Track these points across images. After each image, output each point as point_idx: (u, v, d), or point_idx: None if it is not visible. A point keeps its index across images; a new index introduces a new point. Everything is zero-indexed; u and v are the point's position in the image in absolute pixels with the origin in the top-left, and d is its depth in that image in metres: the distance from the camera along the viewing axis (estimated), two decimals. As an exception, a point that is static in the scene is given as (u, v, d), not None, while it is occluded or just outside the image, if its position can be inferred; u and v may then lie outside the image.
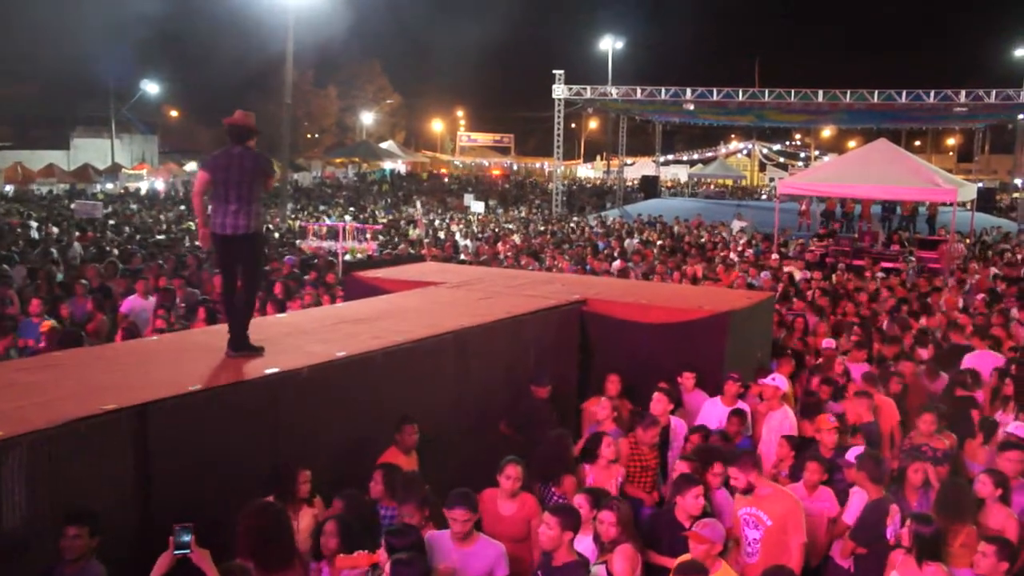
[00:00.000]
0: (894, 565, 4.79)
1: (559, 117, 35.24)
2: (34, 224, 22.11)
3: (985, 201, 33.71)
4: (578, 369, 7.92)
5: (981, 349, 8.97)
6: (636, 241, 21.65)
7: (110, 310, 10.17)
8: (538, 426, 6.45)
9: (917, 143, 63.66)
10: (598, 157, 72.28)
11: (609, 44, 43.33)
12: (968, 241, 23.64)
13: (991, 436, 6.67)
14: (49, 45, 43.87)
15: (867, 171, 19.92)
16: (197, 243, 16.41)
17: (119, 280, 11.81)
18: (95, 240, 18.52)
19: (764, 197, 47.31)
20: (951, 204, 20.36)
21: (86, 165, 42.76)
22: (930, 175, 20.03)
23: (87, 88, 49.98)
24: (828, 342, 9.29)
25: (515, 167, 73.18)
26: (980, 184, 37.24)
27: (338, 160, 58.12)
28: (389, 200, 39.84)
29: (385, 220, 27.55)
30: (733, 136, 70.09)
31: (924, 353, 9.29)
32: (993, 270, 16.92)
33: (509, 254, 18.21)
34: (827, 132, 65.06)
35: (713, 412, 7.11)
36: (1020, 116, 35.52)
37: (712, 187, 55.36)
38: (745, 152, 68.40)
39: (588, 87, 34.89)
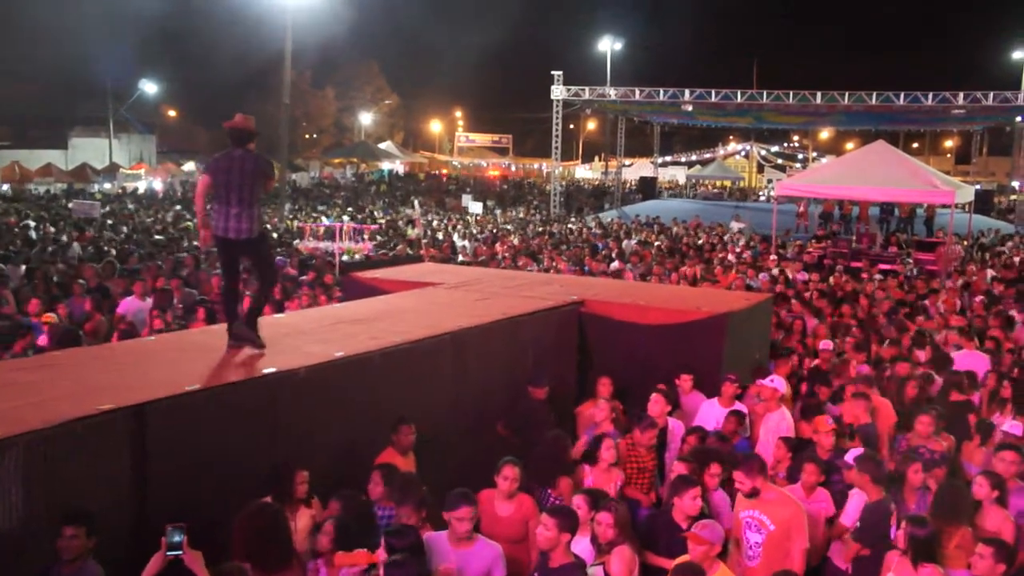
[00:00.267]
0: (890, 567, 4.79)
1: (557, 118, 35.26)
2: (32, 223, 22.08)
3: (983, 203, 33.70)
4: (576, 370, 7.92)
5: (968, 349, 8.99)
6: (634, 242, 21.65)
7: (108, 310, 10.16)
8: (536, 427, 6.44)
9: (915, 145, 63.77)
10: (596, 158, 72.22)
11: (607, 45, 43.38)
12: (966, 243, 23.66)
13: (988, 438, 6.69)
14: (48, 45, 43.90)
15: (865, 173, 19.90)
16: (196, 243, 16.64)
17: (117, 280, 11.80)
18: (93, 240, 18.49)
19: (762, 199, 47.30)
20: (949, 206, 20.35)
21: (84, 165, 42.79)
22: (928, 177, 20.02)
23: (85, 88, 50.00)
24: (826, 343, 9.31)
25: (513, 168, 73.18)
26: (978, 186, 37.23)
27: (336, 160, 58.12)
28: (387, 200, 39.83)
29: (383, 220, 27.53)
30: (731, 137, 70.11)
31: (922, 355, 9.31)
32: (990, 272, 16.95)
33: (507, 255, 18.21)
34: (825, 134, 65.05)
35: (711, 413, 7.10)
36: (1018, 118, 35.52)
37: (710, 188, 55.46)
38: (743, 153, 68.33)
39: (586, 88, 34.90)
